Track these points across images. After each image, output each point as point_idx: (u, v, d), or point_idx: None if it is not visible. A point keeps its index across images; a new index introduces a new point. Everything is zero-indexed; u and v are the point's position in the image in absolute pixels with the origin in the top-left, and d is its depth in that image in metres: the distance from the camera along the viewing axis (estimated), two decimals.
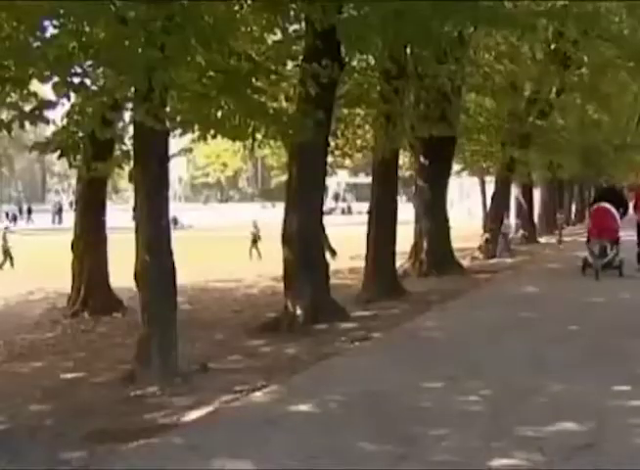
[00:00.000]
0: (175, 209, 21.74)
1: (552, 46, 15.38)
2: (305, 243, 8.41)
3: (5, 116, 6.09)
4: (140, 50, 5.16)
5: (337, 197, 63.69)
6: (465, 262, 15.47)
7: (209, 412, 4.92)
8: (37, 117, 5.23)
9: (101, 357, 7.31)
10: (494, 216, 18.29)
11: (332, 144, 12.71)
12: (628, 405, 4.78)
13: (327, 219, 9.56)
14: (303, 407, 4.84)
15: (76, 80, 5.43)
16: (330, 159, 12.54)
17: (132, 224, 6.15)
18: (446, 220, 14.19)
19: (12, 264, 18.05)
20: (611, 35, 13.29)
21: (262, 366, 6.36)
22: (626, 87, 17.70)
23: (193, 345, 7.58)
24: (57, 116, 6.31)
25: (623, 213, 12.29)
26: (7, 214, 44.18)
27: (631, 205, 13.44)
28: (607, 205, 12.01)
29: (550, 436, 4.17)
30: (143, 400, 5.33)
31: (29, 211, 47.47)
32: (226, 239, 26.77)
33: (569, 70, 15.76)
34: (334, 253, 17.58)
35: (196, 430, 4.46)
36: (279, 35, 9.15)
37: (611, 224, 11.84)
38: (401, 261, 13.31)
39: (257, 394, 5.29)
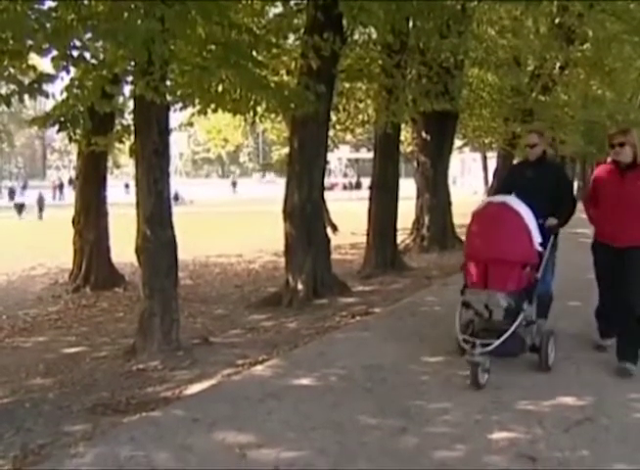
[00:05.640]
0: (177, 183, 21.80)
1: (556, 20, 15.22)
2: (307, 218, 8.40)
3: (4, 90, 6.04)
4: (139, 22, 5.09)
5: (329, 173, 63.20)
6: None
7: (211, 385, 4.95)
8: (37, 90, 5.17)
9: (103, 332, 7.36)
10: (496, 192, 18.25)
11: (333, 118, 12.65)
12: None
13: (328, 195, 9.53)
14: (304, 381, 4.87)
15: (75, 53, 5.37)
16: (331, 133, 12.49)
17: (130, 199, 6.14)
18: (448, 196, 14.19)
19: None
20: (616, 9, 13.10)
21: (264, 340, 6.40)
22: (631, 63, 17.48)
23: (194, 319, 7.64)
24: (57, 90, 6.26)
25: (565, 220, 5.40)
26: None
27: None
28: (511, 202, 5.03)
29: (549, 410, 4.20)
30: (145, 374, 5.38)
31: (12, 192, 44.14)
32: (227, 214, 26.83)
33: (573, 44, 15.61)
34: (335, 228, 17.67)
35: (197, 403, 4.48)
36: (280, 8, 9.07)
37: (516, 249, 4.88)
38: (403, 237, 13.32)
39: (259, 367, 5.33)
